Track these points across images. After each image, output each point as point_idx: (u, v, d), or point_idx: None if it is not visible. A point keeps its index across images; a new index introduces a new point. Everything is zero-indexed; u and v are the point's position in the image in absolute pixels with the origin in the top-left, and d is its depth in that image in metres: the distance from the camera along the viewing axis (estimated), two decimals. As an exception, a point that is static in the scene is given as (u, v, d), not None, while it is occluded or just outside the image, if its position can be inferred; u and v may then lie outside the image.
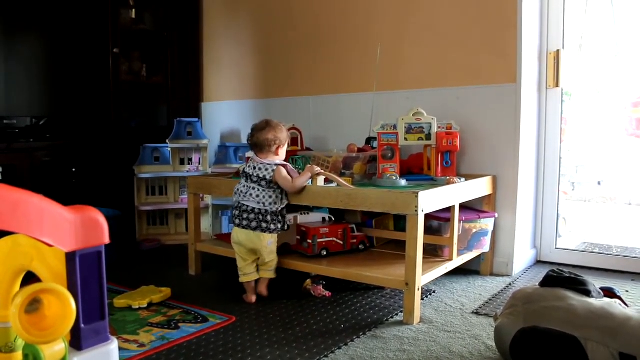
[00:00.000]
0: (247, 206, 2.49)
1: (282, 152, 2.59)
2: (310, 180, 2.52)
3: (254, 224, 2.47)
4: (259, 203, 2.48)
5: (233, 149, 3.68)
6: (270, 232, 2.49)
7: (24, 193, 0.91)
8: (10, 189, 0.90)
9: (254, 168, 2.51)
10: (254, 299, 2.50)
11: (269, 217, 2.48)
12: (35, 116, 3.49)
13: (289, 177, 2.48)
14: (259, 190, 2.49)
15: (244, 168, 2.59)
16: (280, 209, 2.52)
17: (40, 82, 3.58)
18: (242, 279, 2.53)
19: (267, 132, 2.53)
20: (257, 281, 2.55)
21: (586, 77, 3.47)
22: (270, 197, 2.49)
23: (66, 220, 1.00)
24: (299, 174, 2.52)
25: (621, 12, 3.31)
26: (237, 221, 2.51)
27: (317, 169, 2.54)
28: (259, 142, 2.53)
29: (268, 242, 2.49)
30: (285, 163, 2.54)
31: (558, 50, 3.02)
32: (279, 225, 2.52)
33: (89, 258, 1.05)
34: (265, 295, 2.52)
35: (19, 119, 3.39)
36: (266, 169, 2.49)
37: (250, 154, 2.68)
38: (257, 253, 2.53)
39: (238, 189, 2.55)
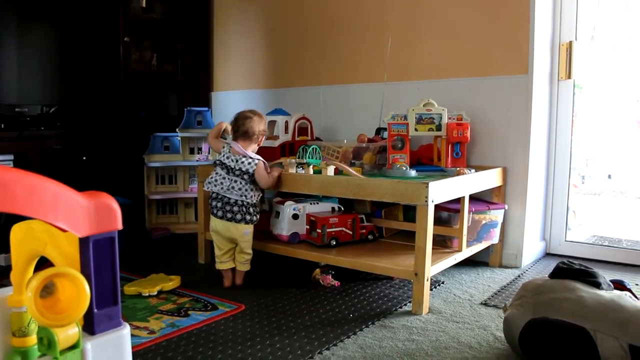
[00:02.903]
0: (230, 198, 2.51)
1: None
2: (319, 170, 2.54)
3: (238, 216, 2.51)
4: (241, 196, 2.51)
5: (243, 138, 3.68)
6: (253, 223, 2.55)
7: (40, 178, 0.92)
8: (26, 173, 0.90)
9: (236, 161, 2.52)
10: (228, 283, 2.58)
11: (251, 209, 2.54)
12: (46, 104, 3.50)
13: (265, 174, 2.54)
14: (241, 183, 2.50)
15: (221, 159, 2.56)
16: (258, 200, 2.59)
17: (51, 71, 3.59)
18: (219, 267, 2.59)
19: (258, 122, 2.58)
20: (233, 271, 2.59)
21: (598, 69, 3.44)
22: (252, 189, 2.53)
23: (80, 205, 1.00)
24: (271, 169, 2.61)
25: (635, 4, 3.28)
26: (219, 213, 2.51)
27: (280, 169, 2.61)
28: (251, 131, 2.55)
29: (245, 232, 2.53)
30: (261, 158, 2.58)
31: (570, 42, 3.00)
32: (258, 216, 2.58)
33: (102, 243, 1.06)
34: (241, 284, 2.58)
35: (30, 107, 3.41)
36: (249, 163, 2.51)
37: (239, 143, 2.58)
38: (234, 242, 2.57)
39: (216, 180, 2.53)
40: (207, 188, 2.57)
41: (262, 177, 2.53)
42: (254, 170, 2.51)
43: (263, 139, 2.65)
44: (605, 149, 4.08)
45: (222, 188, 2.52)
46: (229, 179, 2.51)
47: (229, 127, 2.68)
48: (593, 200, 4.35)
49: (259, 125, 2.58)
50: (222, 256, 2.58)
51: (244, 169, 2.51)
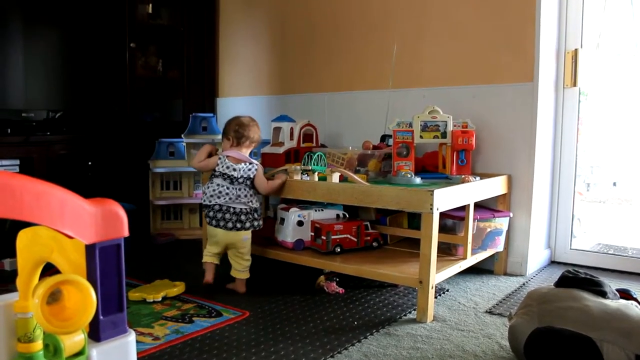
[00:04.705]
0: (235, 208, 2.51)
1: None
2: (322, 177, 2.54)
3: (247, 224, 2.52)
4: (247, 203, 2.53)
5: (247, 144, 3.68)
6: (259, 227, 2.58)
7: (47, 185, 0.92)
8: (34, 180, 0.90)
9: (240, 170, 2.53)
10: (210, 279, 2.56)
11: (256, 215, 2.57)
12: (52, 110, 3.52)
13: (264, 179, 2.59)
14: (246, 190, 2.53)
15: (220, 170, 2.53)
16: (260, 203, 2.65)
17: (57, 76, 3.61)
18: (205, 259, 2.58)
19: (258, 129, 2.63)
20: (234, 280, 2.60)
21: (603, 77, 3.44)
22: (255, 194, 2.57)
23: (87, 212, 1.00)
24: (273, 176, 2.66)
25: (641, 12, 3.28)
26: (229, 224, 2.49)
27: (285, 176, 2.62)
28: (255, 137, 2.61)
29: (244, 238, 2.54)
30: (258, 163, 2.62)
31: (576, 49, 3.00)
32: (261, 220, 2.62)
33: (109, 250, 1.06)
34: (244, 292, 2.57)
35: (36, 112, 3.42)
36: (249, 169, 2.54)
37: (240, 151, 2.58)
38: (229, 247, 2.57)
39: (221, 192, 2.51)
40: (210, 202, 2.51)
41: (261, 182, 2.56)
42: (254, 175, 2.54)
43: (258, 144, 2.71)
44: (610, 156, 4.07)
45: (230, 199, 2.50)
46: (233, 188, 2.52)
47: (214, 149, 2.67)
48: (598, 208, 4.34)
49: (258, 131, 2.64)
50: (214, 253, 2.57)
51: (245, 175, 2.53)
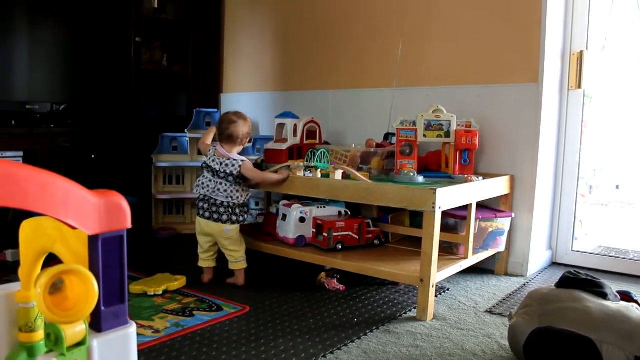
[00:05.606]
0: (216, 200, 2.56)
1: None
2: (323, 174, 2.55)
3: (224, 217, 2.56)
4: (227, 197, 2.56)
5: (251, 140, 3.69)
6: (240, 223, 2.60)
7: (51, 175, 0.92)
8: (38, 170, 0.91)
9: (221, 164, 2.57)
10: (207, 279, 2.66)
11: (237, 210, 2.59)
12: (56, 102, 3.52)
13: (255, 170, 2.61)
14: (226, 185, 2.56)
15: (207, 163, 2.62)
16: (246, 200, 2.64)
17: (62, 69, 3.61)
18: (200, 264, 2.67)
19: (243, 125, 2.63)
20: (232, 273, 2.64)
21: (608, 79, 3.43)
22: (238, 191, 2.58)
23: (91, 203, 1.01)
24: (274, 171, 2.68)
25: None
26: (206, 214, 2.57)
27: (288, 172, 2.64)
28: (235, 134, 2.60)
29: (225, 230, 2.57)
30: (245, 158, 2.63)
31: (581, 51, 2.99)
32: (246, 216, 2.64)
33: (111, 242, 1.06)
34: (243, 284, 2.61)
35: (41, 105, 3.43)
36: (233, 165, 2.56)
37: (224, 147, 2.63)
38: (213, 239, 2.63)
39: (203, 183, 2.60)
40: (196, 191, 2.63)
41: (252, 174, 2.58)
42: (238, 172, 2.56)
43: (247, 141, 2.70)
44: (613, 159, 4.06)
45: (209, 190, 2.57)
46: (214, 181, 2.57)
47: None
48: (600, 210, 4.33)
49: (243, 129, 2.62)
50: (203, 254, 2.66)
51: (228, 171, 2.56)
